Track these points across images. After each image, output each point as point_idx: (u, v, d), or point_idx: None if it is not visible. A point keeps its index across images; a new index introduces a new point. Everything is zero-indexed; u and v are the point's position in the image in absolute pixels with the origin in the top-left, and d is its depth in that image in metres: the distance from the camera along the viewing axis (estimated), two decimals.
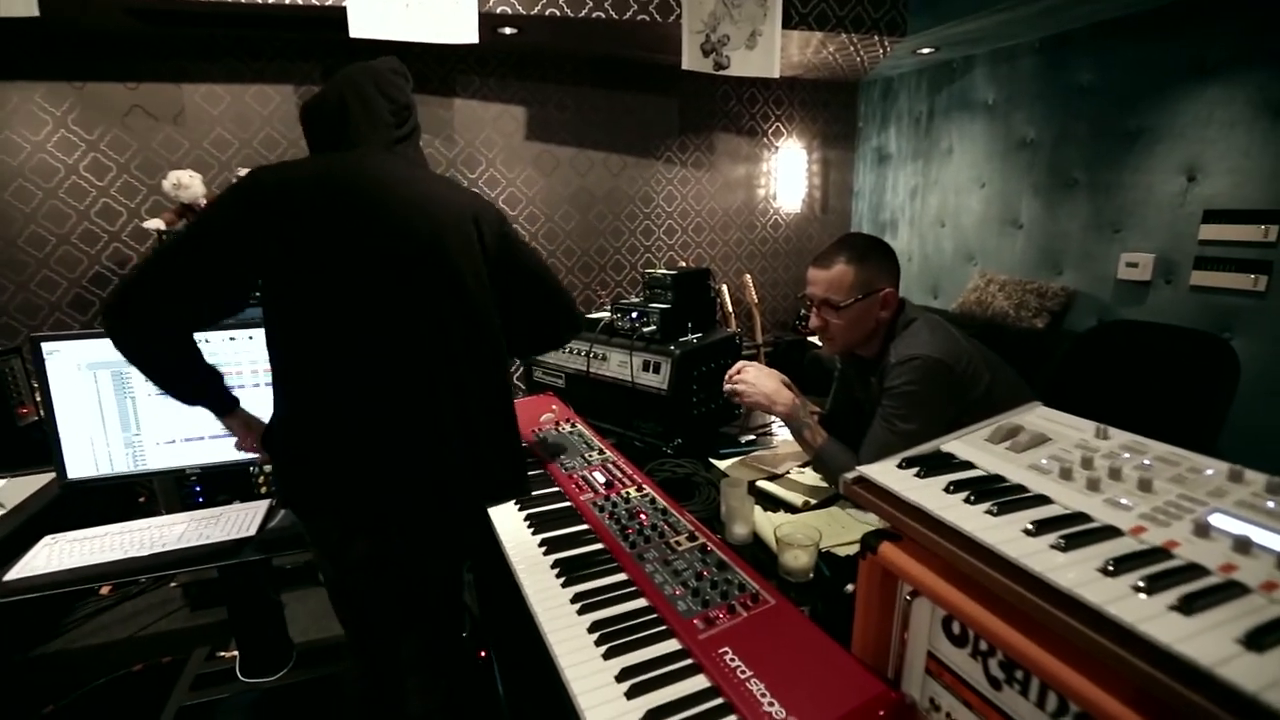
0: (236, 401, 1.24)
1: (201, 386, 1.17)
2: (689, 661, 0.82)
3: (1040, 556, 0.59)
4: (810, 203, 4.17)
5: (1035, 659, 0.58)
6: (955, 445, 0.86)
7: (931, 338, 1.30)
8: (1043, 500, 0.69)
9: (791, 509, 1.39)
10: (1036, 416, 0.91)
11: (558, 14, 2.59)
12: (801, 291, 1.68)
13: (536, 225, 3.59)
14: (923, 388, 1.26)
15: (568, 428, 1.66)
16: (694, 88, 3.62)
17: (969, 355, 1.30)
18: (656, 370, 1.70)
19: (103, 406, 1.56)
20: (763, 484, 1.48)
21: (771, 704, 0.73)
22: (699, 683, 0.79)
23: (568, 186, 3.60)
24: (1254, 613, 0.47)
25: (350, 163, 1.13)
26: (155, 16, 2.43)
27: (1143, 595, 0.51)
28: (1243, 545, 0.54)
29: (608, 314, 1.92)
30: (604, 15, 2.63)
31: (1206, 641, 0.45)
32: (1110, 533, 0.61)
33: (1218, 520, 0.59)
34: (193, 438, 1.58)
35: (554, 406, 1.80)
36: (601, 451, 1.48)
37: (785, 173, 4.04)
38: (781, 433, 1.84)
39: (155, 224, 2.54)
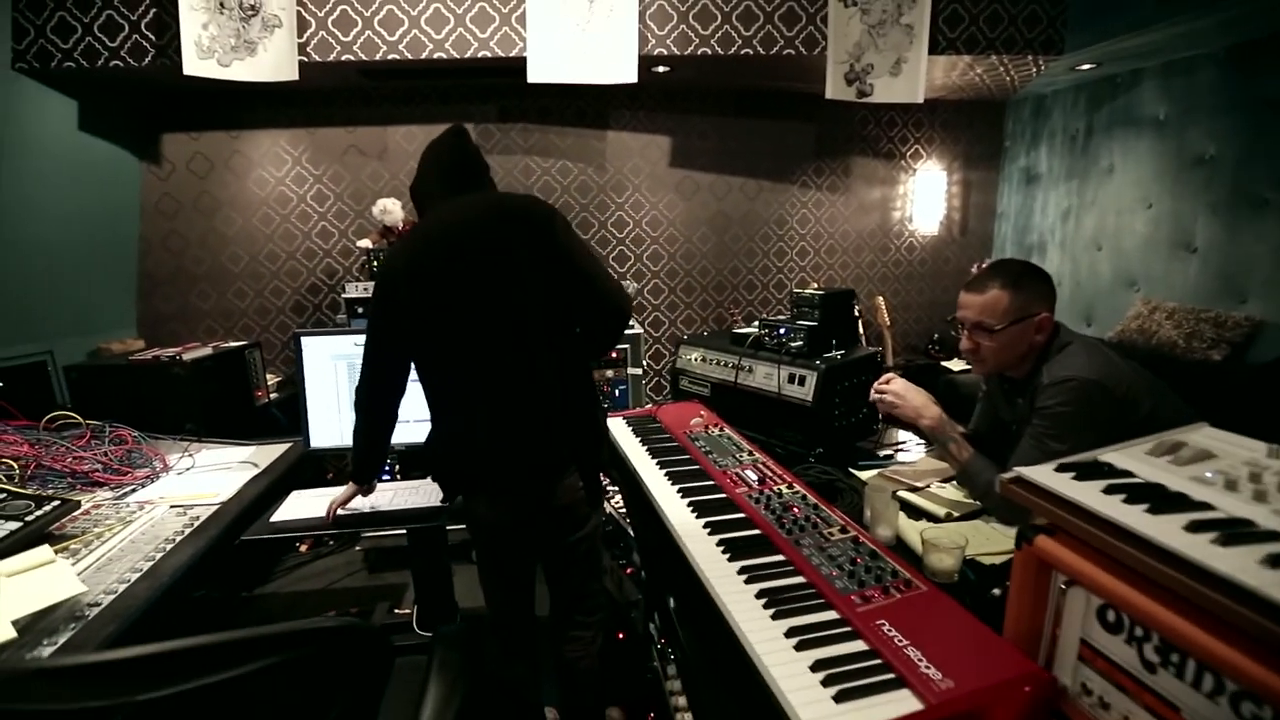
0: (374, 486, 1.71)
1: (377, 461, 1.65)
2: (848, 629, 0.94)
3: (1200, 549, 0.65)
4: (949, 225, 4.08)
5: (1195, 640, 0.64)
6: (1113, 456, 0.91)
7: (1089, 360, 1.32)
8: (1205, 506, 0.74)
9: (934, 519, 1.46)
10: (1202, 435, 0.94)
11: (709, 53, 2.81)
12: (951, 314, 1.73)
13: (675, 246, 3.81)
14: (1077, 409, 1.29)
15: (716, 431, 1.82)
16: (832, 113, 3.70)
17: (1129, 379, 1.31)
18: (802, 383, 1.82)
19: (339, 390, 1.93)
20: (904, 494, 1.55)
21: (929, 668, 0.83)
22: (858, 646, 0.91)
23: (705, 210, 3.80)
24: None
25: (446, 217, 1.43)
26: (378, 74, 2.94)
27: None
28: None
29: (755, 329, 2.07)
30: (752, 52, 2.81)
31: None
32: (1274, 537, 0.67)
33: None
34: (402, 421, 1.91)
35: (702, 412, 1.97)
36: (751, 453, 1.62)
37: (923, 195, 3.99)
38: (917, 450, 1.88)
39: (365, 244, 3.03)
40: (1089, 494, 0.79)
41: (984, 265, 1.56)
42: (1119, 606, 0.74)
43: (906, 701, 0.80)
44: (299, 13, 2.60)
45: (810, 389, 1.78)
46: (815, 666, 0.87)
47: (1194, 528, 0.68)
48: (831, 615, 0.98)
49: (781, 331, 1.89)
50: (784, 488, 1.42)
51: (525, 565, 1.61)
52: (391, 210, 2.92)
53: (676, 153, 3.69)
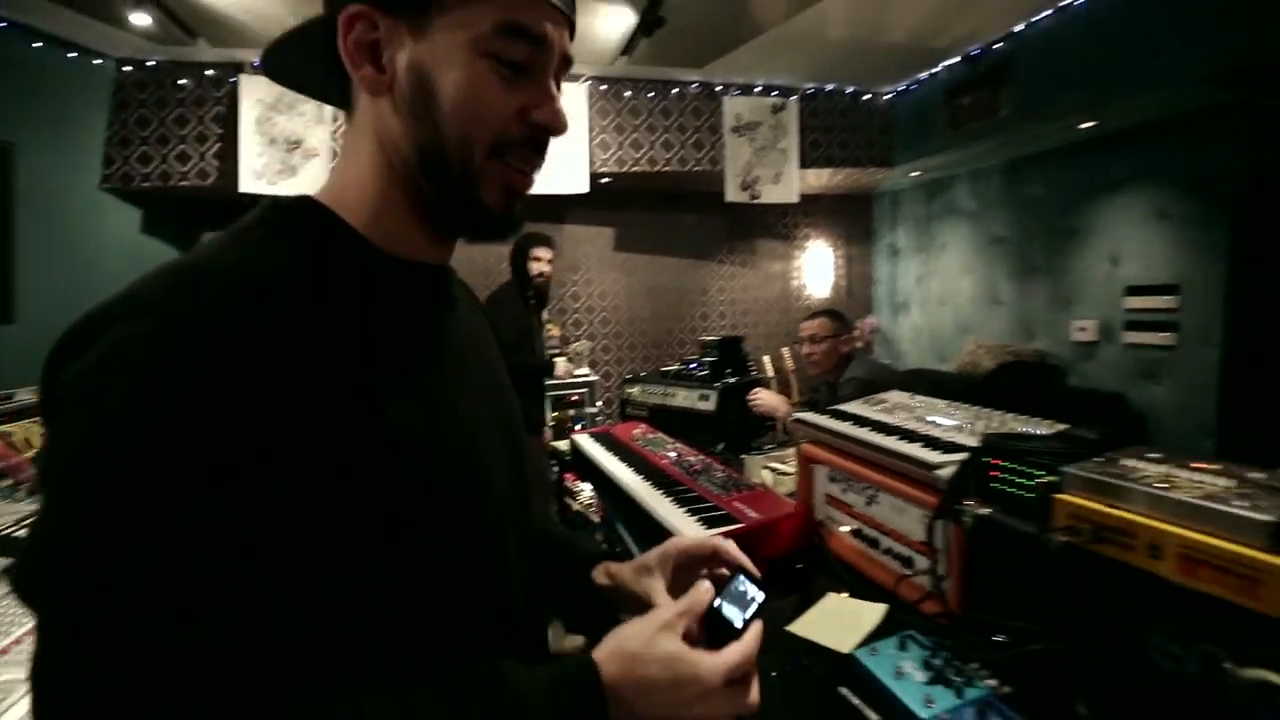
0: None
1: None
2: (713, 504, 1.74)
3: (883, 440, 1.50)
4: (837, 290, 5.14)
5: (870, 477, 1.48)
6: (846, 406, 1.78)
7: (863, 368, 2.23)
8: (877, 424, 1.60)
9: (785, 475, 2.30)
10: (895, 394, 1.82)
11: (641, 170, 3.80)
12: (798, 340, 2.65)
13: (620, 313, 4.71)
14: (848, 395, 2.18)
15: (652, 436, 2.62)
16: (739, 208, 4.74)
17: (884, 377, 2.22)
18: (707, 399, 2.66)
19: None
20: (769, 464, 2.39)
21: (751, 514, 1.64)
22: (719, 510, 1.71)
23: (644, 283, 4.74)
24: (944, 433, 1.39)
25: None
26: None
27: (920, 446, 1.42)
28: (932, 425, 1.46)
29: (676, 367, 2.93)
30: (672, 169, 3.81)
31: (949, 465, 1.38)
32: (902, 432, 1.52)
33: (939, 419, 1.50)
34: None
35: (642, 426, 2.78)
36: (674, 444, 2.44)
37: (814, 267, 5.05)
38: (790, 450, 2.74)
39: None
40: (826, 420, 1.64)
41: (821, 309, 2.54)
42: (838, 469, 1.58)
43: (735, 523, 1.60)
44: (332, 147, 3.45)
45: (713, 403, 2.62)
46: (691, 513, 1.67)
47: (866, 426, 1.54)
48: (708, 502, 1.78)
49: (692, 366, 2.74)
50: (691, 458, 2.23)
51: None
52: None
53: (620, 239, 4.64)
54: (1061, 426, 1.19)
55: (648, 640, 0.51)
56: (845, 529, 1.50)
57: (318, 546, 0.43)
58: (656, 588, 0.67)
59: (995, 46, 3.26)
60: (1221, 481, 0.78)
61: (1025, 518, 0.98)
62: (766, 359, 4.69)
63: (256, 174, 3.33)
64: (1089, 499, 0.86)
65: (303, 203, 0.53)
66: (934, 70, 3.65)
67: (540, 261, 3.11)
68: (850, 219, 5.15)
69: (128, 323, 0.41)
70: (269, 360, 0.42)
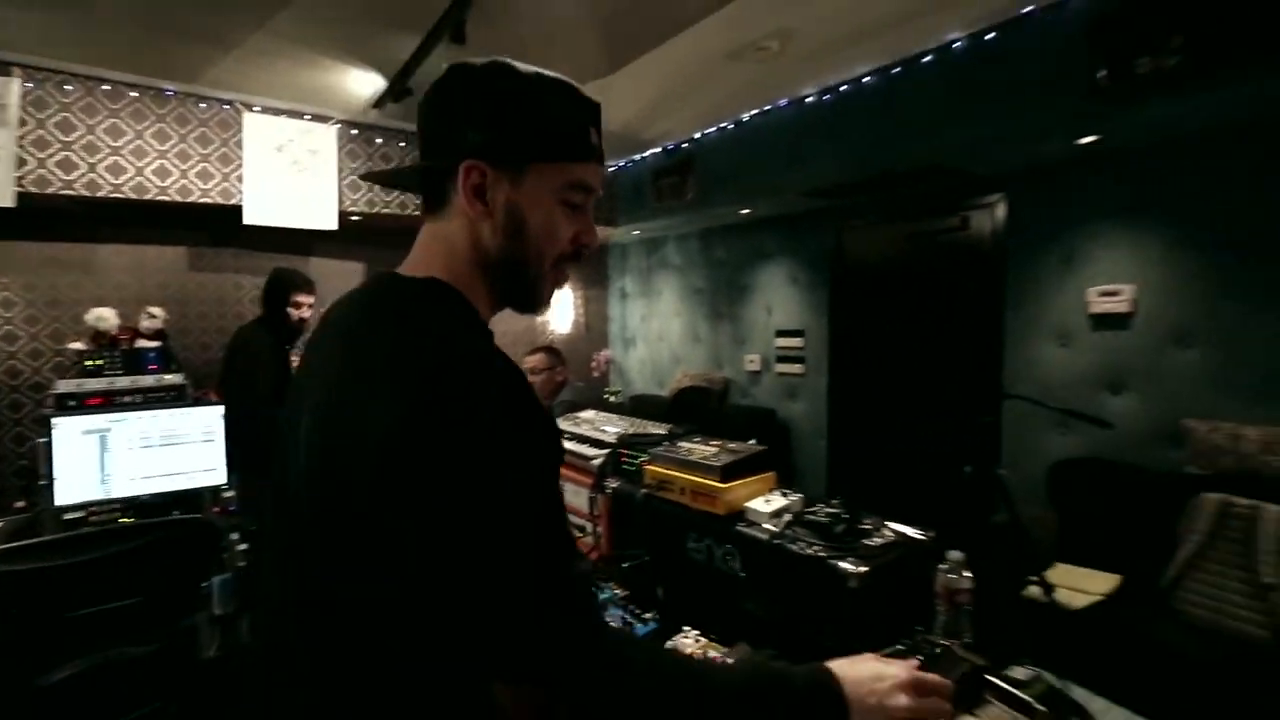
0: None
1: None
2: None
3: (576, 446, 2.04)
4: (578, 326, 5.87)
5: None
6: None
7: (571, 391, 2.84)
8: (571, 435, 2.16)
9: None
10: (587, 412, 2.42)
11: (390, 213, 4.04)
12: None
13: None
14: (563, 413, 2.76)
15: None
16: None
17: (585, 398, 2.85)
18: None
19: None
20: None
21: None
22: None
23: None
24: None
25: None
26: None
27: (588, 445, 1.97)
28: (602, 431, 2.05)
29: None
30: (420, 213, 4.11)
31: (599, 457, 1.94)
32: (585, 439, 2.08)
33: (607, 427, 2.10)
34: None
35: None
36: None
37: (558, 306, 5.71)
38: None
39: (76, 345, 3.39)
40: None
41: (540, 346, 3.12)
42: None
43: None
44: (18, 153, 3.09)
45: None
46: None
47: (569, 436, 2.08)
48: None
49: None
50: None
51: None
52: (106, 317, 3.38)
53: (368, 275, 4.75)
54: (677, 429, 1.85)
55: (861, 659, 0.75)
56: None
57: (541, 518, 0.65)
58: None
59: (684, 145, 4.24)
60: (713, 450, 1.45)
61: (634, 484, 1.59)
62: None
63: None
64: (657, 465, 1.49)
65: (440, 285, 0.74)
66: (644, 154, 4.56)
67: (302, 308, 3.04)
68: (588, 266, 5.94)
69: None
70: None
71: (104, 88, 3.29)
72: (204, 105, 3.53)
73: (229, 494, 2.50)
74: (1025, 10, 2.42)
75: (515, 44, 2.86)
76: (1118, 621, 2.38)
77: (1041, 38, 2.46)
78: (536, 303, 0.82)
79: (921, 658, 0.98)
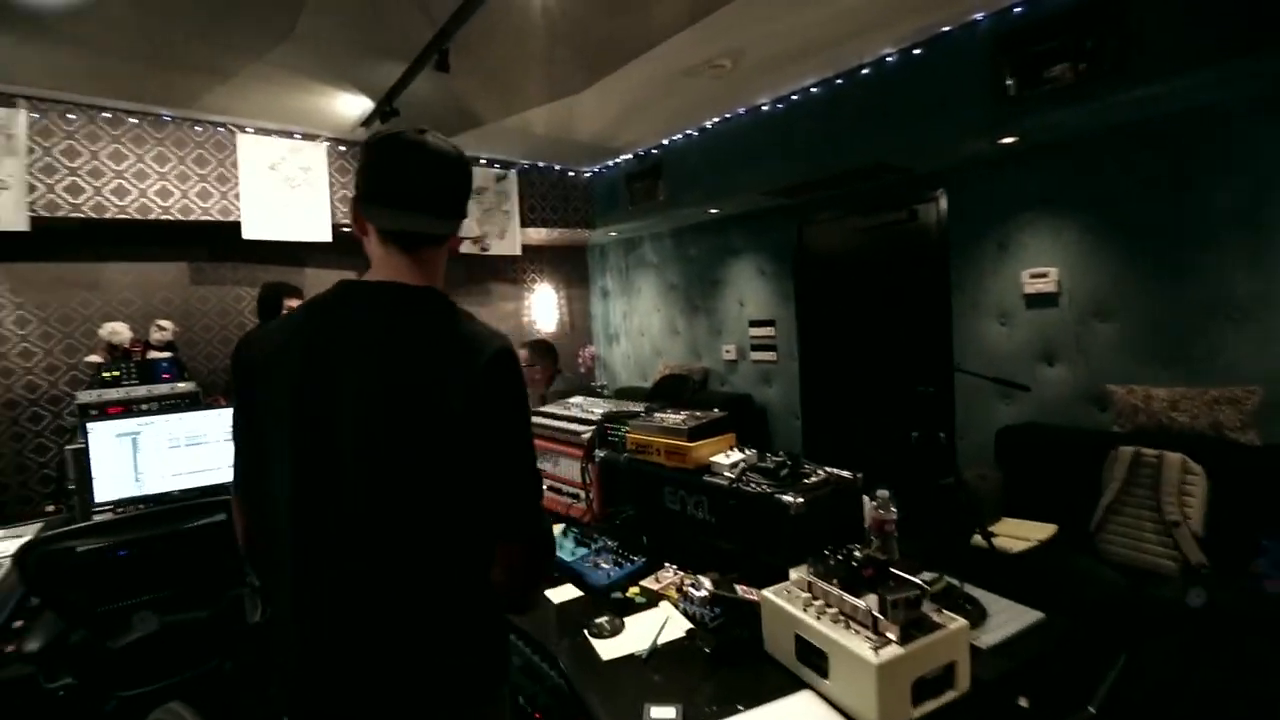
0: None
1: None
2: None
3: (558, 422, 2.31)
4: (563, 324, 6.13)
5: (557, 448, 2.28)
6: (548, 406, 2.60)
7: (563, 381, 3.11)
8: (562, 415, 2.43)
9: None
10: (577, 397, 2.70)
11: None
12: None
13: None
14: (556, 399, 3.04)
15: None
16: (474, 257, 5.45)
17: (575, 386, 3.13)
18: None
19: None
20: None
21: None
22: None
23: None
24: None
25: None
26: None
27: (577, 424, 2.24)
28: (590, 412, 2.34)
29: None
30: None
31: (588, 431, 2.21)
32: (574, 418, 2.36)
33: (594, 409, 2.38)
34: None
35: None
36: None
37: (542, 305, 5.97)
38: None
39: (94, 359, 3.59)
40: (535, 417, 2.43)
41: (526, 342, 3.39)
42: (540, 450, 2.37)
43: None
44: (28, 180, 3.28)
45: None
46: None
47: (553, 417, 2.36)
48: None
49: None
50: None
51: None
52: (120, 331, 3.58)
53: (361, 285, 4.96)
54: (653, 405, 2.13)
55: None
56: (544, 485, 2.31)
57: None
58: None
59: (653, 151, 4.53)
60: (682, 417, 1.74)
61: (618, 451, 1.87)
62: None
63: None
64: (636, 432, 1.77)
65: (442, 293, 1.09)
66: (617, 160, 4.83)
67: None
68: (570, 266, 6.20)
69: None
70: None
71: (104, 115, 3.49)
72: (199, 129, 3.74)
73: None
74: (944, 29, 2.74)
75: (494, 69, 3.13)
76: (1047, 561, 2.72)
77: (959, 52, 2.79)
78: None
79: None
